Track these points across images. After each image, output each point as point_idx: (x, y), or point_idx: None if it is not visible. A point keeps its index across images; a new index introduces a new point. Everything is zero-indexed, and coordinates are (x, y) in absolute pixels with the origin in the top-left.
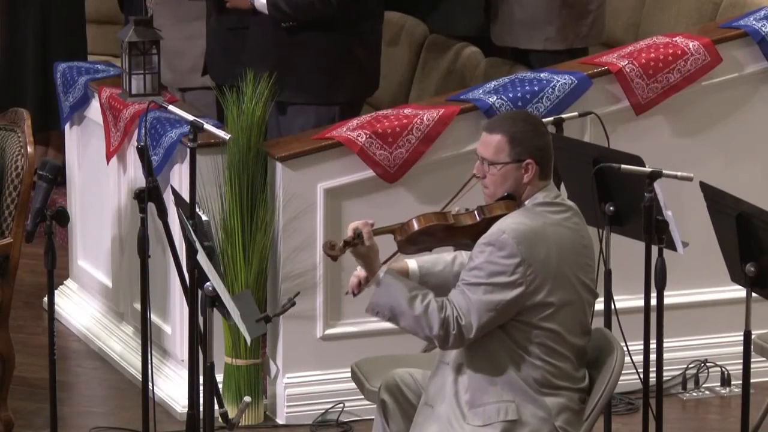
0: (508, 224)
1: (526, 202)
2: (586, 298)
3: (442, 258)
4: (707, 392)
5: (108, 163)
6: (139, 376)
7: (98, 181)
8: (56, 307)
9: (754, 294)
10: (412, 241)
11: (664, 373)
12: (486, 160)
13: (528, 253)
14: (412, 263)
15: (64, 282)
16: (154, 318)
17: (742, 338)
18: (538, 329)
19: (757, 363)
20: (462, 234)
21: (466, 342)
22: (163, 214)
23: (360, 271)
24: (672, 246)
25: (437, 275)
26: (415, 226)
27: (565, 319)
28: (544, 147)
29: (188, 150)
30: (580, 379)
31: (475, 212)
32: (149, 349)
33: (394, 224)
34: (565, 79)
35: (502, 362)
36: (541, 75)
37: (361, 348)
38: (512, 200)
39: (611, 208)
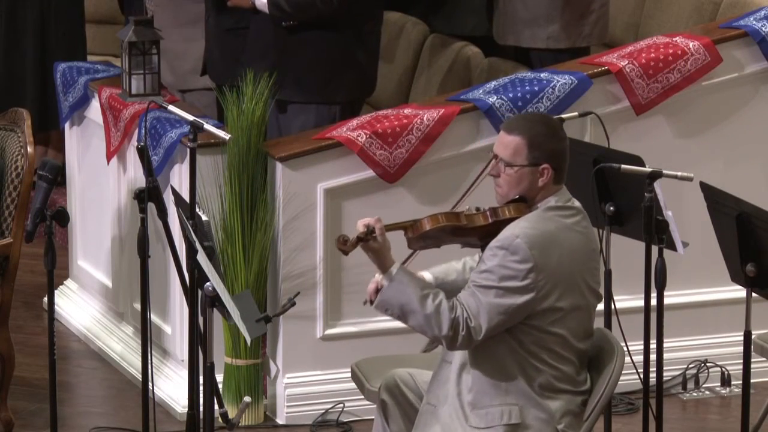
0: (522, 228)
1: (539, 206)
2: (593, 303)
3: (452, 267)
4: (707, 392)
5: (108, 163)
6: (139, 376)
7: (98, 181)
8: (56, 307)
9: (754, 294)
10: (422, 239)
11: (664, 373)
12: (502, 160)
13: (540, 259)
14: (426, 274)
15: (64, 282)
16: (154, 318)
17: (742, 338)
18: (545, 333)
19: (757, 363)
20: (471, 234)
21: (474, 343)
22: (163, 214)
23: (378, 277)
24: (672, 246)
25: (451, 284)
26: (427, 226)
27: (572, 323)
28: (561, 152)
29: (188, 150)
30: (581, 382)
31: (488, 213)
32: (149, 349)
33: (406, 221)
34: (565, 79)
35: (508, 365)
36: (542, 75)
37: (361, 348)
38: (524, 203)
39: (611, 208)
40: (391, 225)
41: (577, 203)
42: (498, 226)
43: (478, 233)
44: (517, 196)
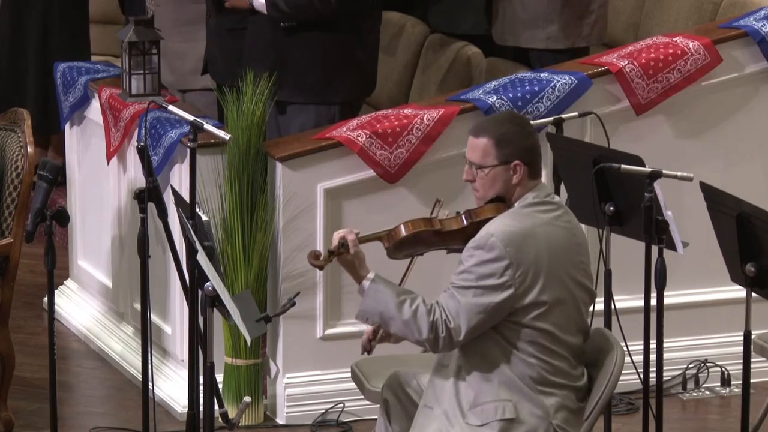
0: (496, 227)
1: (516, 204)
2: (581, 297)
3: None
4: (707, 392)
5: (108, 163)
6: (139, 376)
7: (98, 181)
8: (56, 307)
9: (754, 294)
10: (401, 248)
11: (664, 373)
12: (474, 164)
13: (516, 255)
14: None
15: (64, 282)
16: (154, 318)
17: (742, 338)
18: (530, 328)
19: (757, 363)
20: (451, 238)
21: (456, 344)
22: (163, 214)
23: (368, 328)
24: (672, 246)
25: None
26: (403, 232)
27: (558, 318)
28: (531, 147)
29: (188, 150)
30: (577, 377)
31: (463, 216)
32: (149, 349)
33: (382, 231)
34: (565, 79)
35: (498, 361)
36: (541, 75)
37: (361, 348)
38: (501, 202)
39: (611, 208)
40: (366, 236)
41: (557, 198)
42: (476, 227)
43: (456, 237)
44: (494, 197)
